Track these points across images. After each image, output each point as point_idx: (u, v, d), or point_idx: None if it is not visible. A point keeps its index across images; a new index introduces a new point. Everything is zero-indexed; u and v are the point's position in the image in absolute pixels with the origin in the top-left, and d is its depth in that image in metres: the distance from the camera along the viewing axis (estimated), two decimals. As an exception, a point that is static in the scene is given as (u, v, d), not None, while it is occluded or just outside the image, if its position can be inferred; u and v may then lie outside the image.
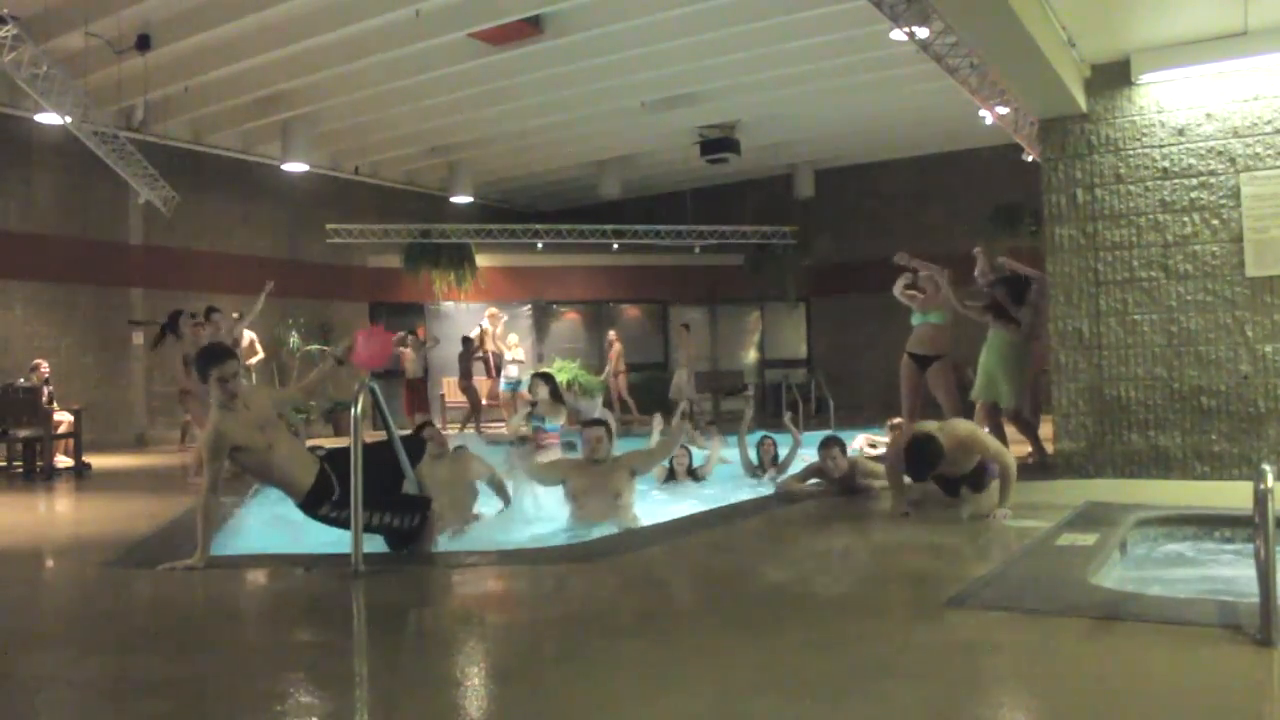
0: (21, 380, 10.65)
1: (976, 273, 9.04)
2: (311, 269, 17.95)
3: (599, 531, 5.91)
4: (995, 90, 9.56)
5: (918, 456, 5.66)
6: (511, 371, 15.08)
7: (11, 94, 12.76)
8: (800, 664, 3.18)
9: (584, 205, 21.16)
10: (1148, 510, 5.57)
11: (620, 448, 6.72)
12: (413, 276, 18.61)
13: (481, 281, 19.11)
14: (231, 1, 11.53)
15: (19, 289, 13.90)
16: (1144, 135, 7.49)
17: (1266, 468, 3.19)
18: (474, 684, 3.22)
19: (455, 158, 18.53)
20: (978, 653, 3.32)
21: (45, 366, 11.04)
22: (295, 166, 15.96)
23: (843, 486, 7.00)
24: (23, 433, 10.07)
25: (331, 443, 10.89)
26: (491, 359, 15.94)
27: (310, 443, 10.28)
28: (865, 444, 9.87)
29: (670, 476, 8.41)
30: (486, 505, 6.68)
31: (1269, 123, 7.10)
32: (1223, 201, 7.21)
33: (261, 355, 13.89)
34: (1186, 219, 7.33)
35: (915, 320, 8.93)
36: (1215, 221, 7.24)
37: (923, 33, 8.07)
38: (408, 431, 6.19)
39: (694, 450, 8.90)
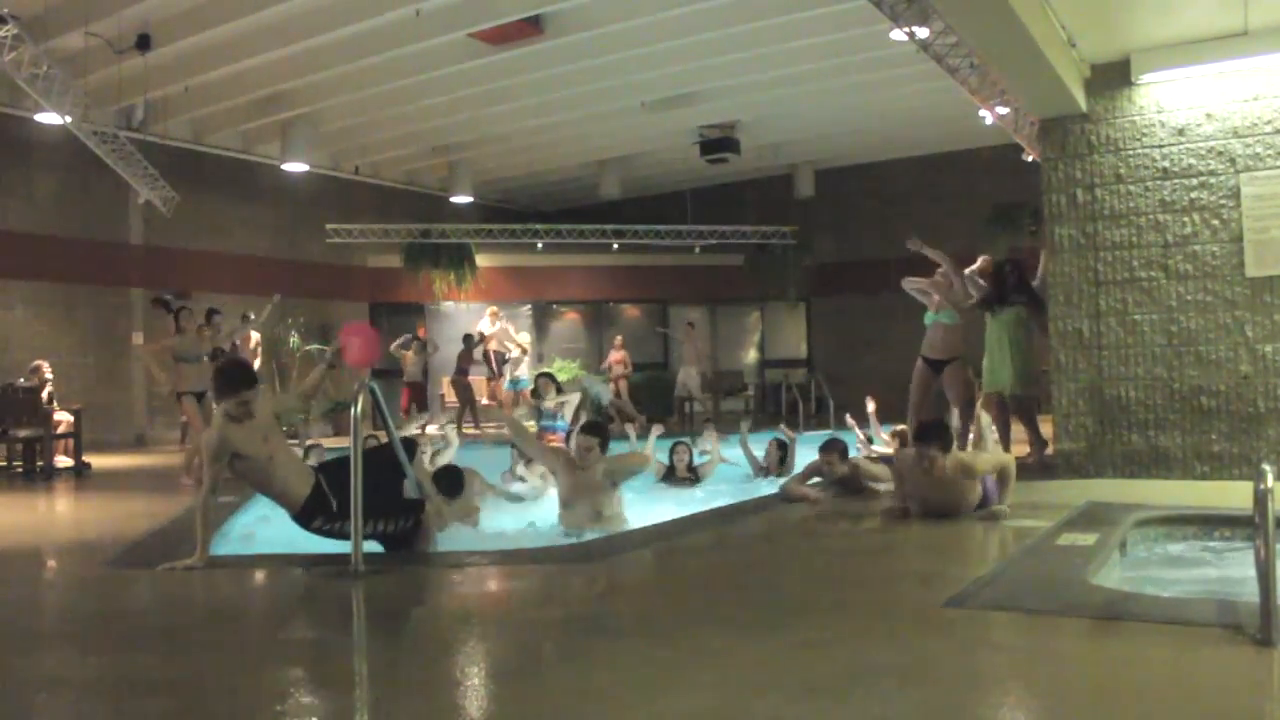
0: (21, 380, 10.64)
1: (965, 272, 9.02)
2: (311, 269, 17.95)
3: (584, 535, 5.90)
4: (995, 90, 9.56)
5: (928, 435, 5.69)
6: (518, 371, 15.11)
7: (11, 94, 12.75)
8: (800, 664, 3.18)
9: (584, 205, 21.16)
10: (1148, 510, 5.57)
11: (617, 448, 6.76)
12: (413, 276, 18.62)
13: (481, 281, 19.11)
14: (231, 1, 11.53)
15: (19, 289, 13.90)
16: (1144, 135, 7.49)
17: (1266, 468, 3.19)
18: (474, 684, 3.22)
19: (455, 158, 18.53)
20: (978, 653, 3.32)
21: (46, 368, 11.03)
22: (295, 166, 15.96)
23: (843, 488, 7.00)
24: (23, 433, 10.08)
25: (331, 443, 10.91)
26: (494, 357, 15.95)
27: (310, 441, 10.31)
28: (863, 440, 9.86)
29: (670, 475, 8.42)
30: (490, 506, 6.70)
31: (1269, 123, 7.10)
32: (1223, 201, 7.21)
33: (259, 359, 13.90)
34: (1186, 219, 7.32)
35: (928, 319, 8.91)
36: (1215, 221, 7.24)
37: (923, 33, 8.08)
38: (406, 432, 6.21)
39: (694, 449, 8.90)
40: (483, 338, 16.02)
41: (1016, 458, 8.50)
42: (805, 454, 8.39)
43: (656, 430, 9.10)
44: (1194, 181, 7.31)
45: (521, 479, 7.86)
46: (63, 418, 10.53)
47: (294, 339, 16.56)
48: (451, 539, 5.70)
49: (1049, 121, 7.88)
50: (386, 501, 4.97)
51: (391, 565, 5.01)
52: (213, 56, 12.76)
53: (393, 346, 15.47)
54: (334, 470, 5.07)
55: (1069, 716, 2.75)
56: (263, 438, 4.93)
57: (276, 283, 17.05)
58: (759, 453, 8.95)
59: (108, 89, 12.64)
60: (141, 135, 14.09)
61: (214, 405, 5.18)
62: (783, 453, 8.63)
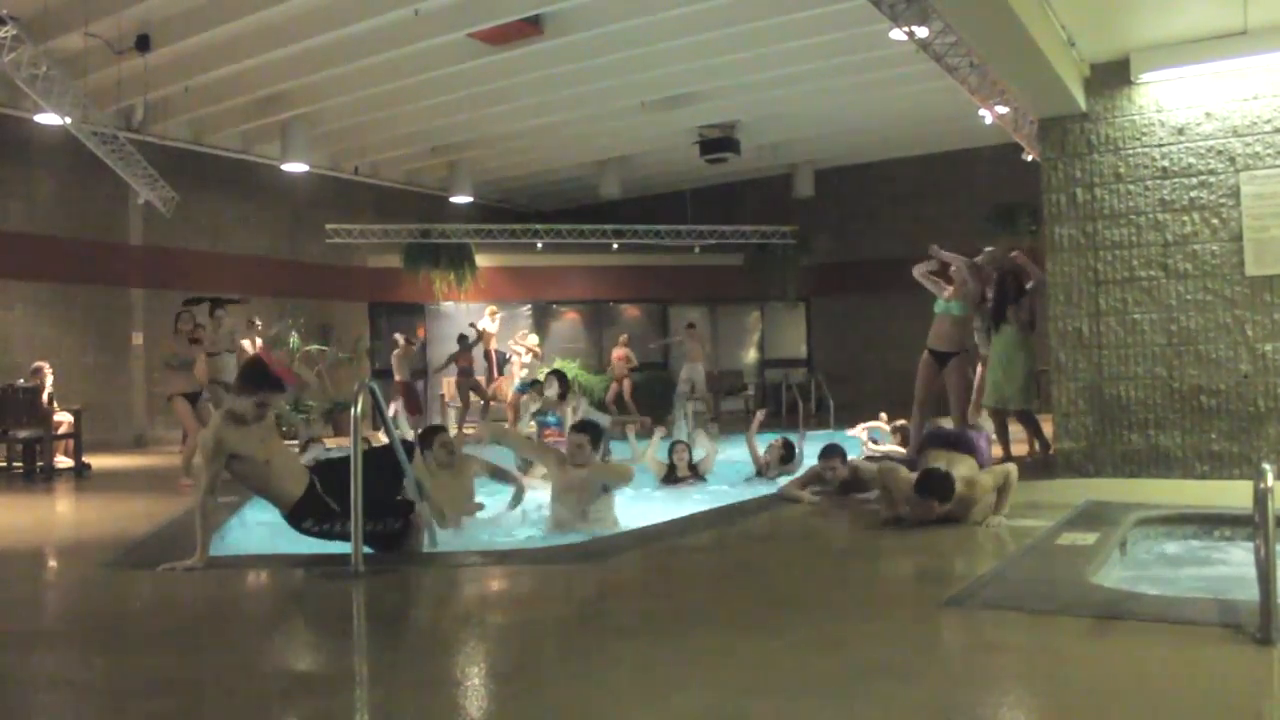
0: (22, 381, 10.64)
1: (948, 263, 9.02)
2: (311, 269, 17.95)
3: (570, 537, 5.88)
4: (995, 90, 9.56)
5: (931, 487, 5.45)
6: (526, 373, 15.10)
7: (11, 94, 12.74)
8: (800, 664, 3.18)
9: (584, 205, 21.16)
10: (1148, 510, 5.57)
11: (618, 449, 6.77)
12: (413, 276, 18.62)
13: (481, 281, 19.11)
14: (231, 1, 11.53)
15: (19, 289, 13.89)
16: (1144, 135, 7.49)
17: (1266, 467, 3.19)
18: (474, 684, 3.22)
19: (455, 158, 18.53)
20: (978, 653, 3.32)
21: (47, 369, 11.02)
22: (295, 166, 15.96)
23: (843, 489, 7.00)
24: (23, 433, 10.08)
25: (331, 443, 10.90)
26: (494, 357, 15.94)
27: (309, 434, 10.31)
28: (864, 434, 9.86)
29: (671, 474, 8.42)
30: (500, 496, 6.67)
31: (1269, 122, 7.10)
32: (1222, 201, 7.21)
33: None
34: (1186, 218, 7.32)
35: (938, 308, 8.89)
36: (1215, 221, 7.24)
37: (922, 32, 8.07)
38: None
39: (693, 448, 8.90)
40: (481, 336, 16.01)
41: (1017, 457, 8.55)
42: (805, 455, 8.40)
43: (659, 432, 9.12)
44: (1194, 181, 7.31)
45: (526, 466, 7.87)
46: (63, 418, 10.53)
47: (294, 339, 16.57)
48: (451, 539, 5.70)
49: (1049, 121, 7.88)
50: (374, 502, 4.97)
51: (391, 565, 5.01)
52: (213, 56, 12.76)
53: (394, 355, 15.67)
54: (330, 473, 5.08)
55: (1069, 716, 2.75)
56: (260, 440, 4.94)
57: (276, 283, 17.14)
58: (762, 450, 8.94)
59: (107, 89, 12.64)
60: (141, 135, 14.10)
61: (210, 407, 5.18)
62: (785, 452, 8.61)
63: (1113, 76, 7.56)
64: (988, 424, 8.71)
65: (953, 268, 8.82)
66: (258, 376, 5.03)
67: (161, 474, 10.24)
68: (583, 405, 10.31)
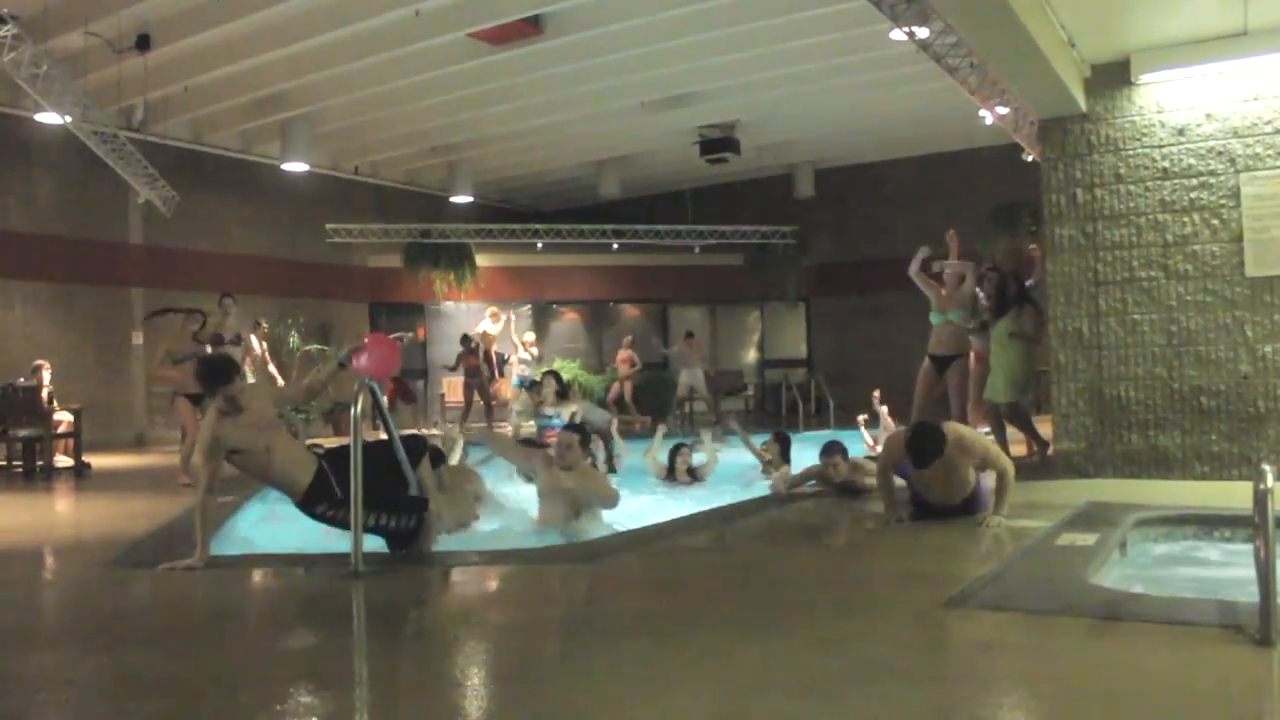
0: (21, 380, 10.64)
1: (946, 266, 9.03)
2: (311, 269, 17.95)
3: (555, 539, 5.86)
4: (995, 90, 9.56)
5: (921, 443, 5.47)
6: (525, 371, 15.08)
7: (11, 94, 12.75)
8: (800, 664, 3.18)
9: (584, 205, 21.16)
10: (1148, 510, 5.57)
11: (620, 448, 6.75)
12: (413, 276, 18.62)
13: (481, 281, 19.12)
14: (231, 1, 11.53)
15: (19, 289, 13.90)
16: (1144, 135, 7.49)
17: (1266, 468, 3.19)
18: (474, 684, 3.22)
19: (455, 158, 18.53)
20: (977, 653, 3.32)
21: (47, 368, 11.03)
22: (295, 166, 15.96)
23: (843, 488, 6.99)
24: (23, 433, 10.07)
25: (330, 442, 10.89)
26: (494, 358, 15.93)
27: (309, 441, 10.30)
28: (864, 427, 9.86)
29: (670, 476, 8.41)
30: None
31: (1269, 123, 7.10)
32: (1223, 201, 7.21)
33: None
34: (1186, 219, 7.32)
35: (935, 319, 8.90)
36: (1215, 221, 7.24)
37: (923, 33, 8.07)
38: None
39: (694, 452, 8.88)
40: (484, 338, 16.00)
41: (1016, 457, 8.55)
42: (804, 455, 8.38)
43: (661, 430, 9.10)
44: (1194, 181, 7.31)
45: (529, 478, 7.86)
46: (63, 418, 10.53)
47: (294, 339, 16.57)
48: (451, 539, 5.70)
49: (1049, 121, 7.88)
50: (391, 496, 4.96)
51: (391, 565, 5.01)
52: (213, 56, 12.76)
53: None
54: (341, 458, 5.02)
55: (1069, 716, 2.75)
56: (257, 430, 4.92)
57: (276, 283, 17.14)
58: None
59: (107, 89, 12.64)
60: (141, 135, 14.10)
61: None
62: (781, 445, 8.58)
63: (1113, 77, 7.56)
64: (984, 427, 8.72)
65: (947, 270, 8.82)
66: (210, 371, 5.05)
67: (161, 474, 10.23)
68: (584, 406, 10.30)
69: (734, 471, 8.93)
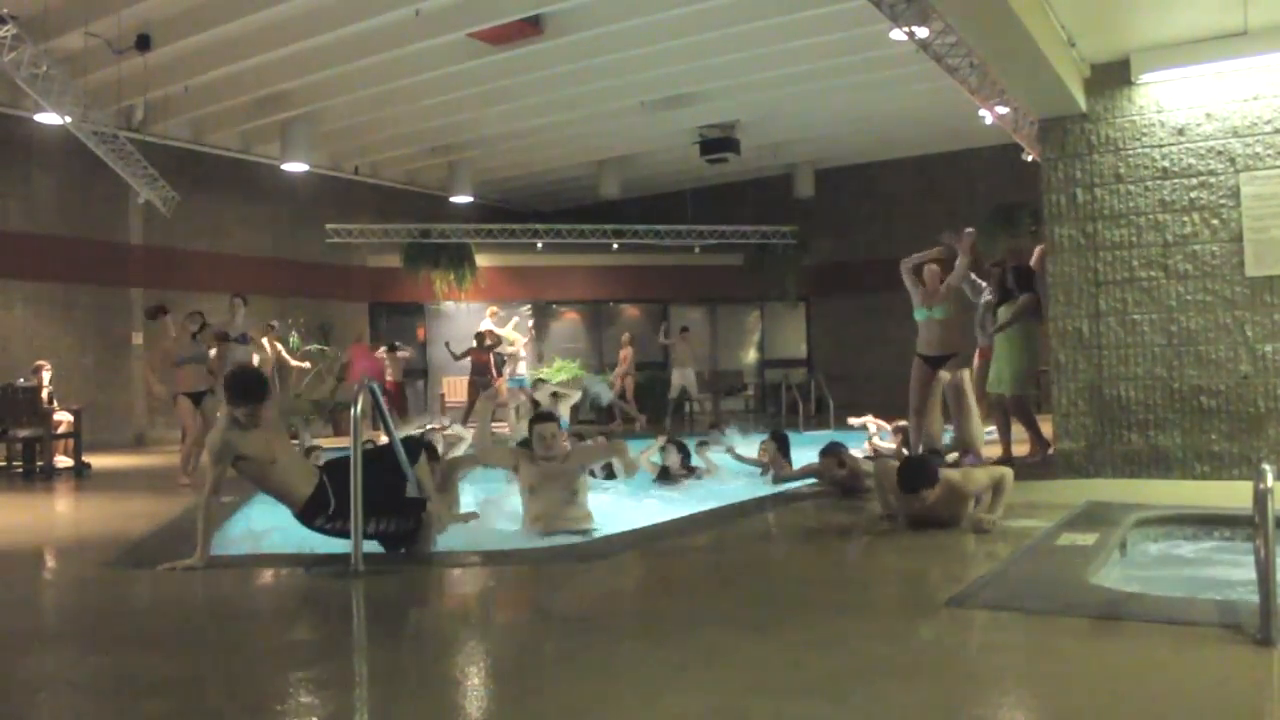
0: (21, 380, 10.64)
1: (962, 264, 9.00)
2: (311, 269, 17.95)
3: (552, 534, 5.83)
4: (995, 90, 9.56)
5: (913, 473, 5.39)
6: (519, 369, 15.11)
7: (11, 94, 12.76)
8: (800, 664, 3.18)
9: (584, 205, 21.17)
10: (1148, 510, 5.57)
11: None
12: (413, 276, 18.63)
13: (481, 281, 19.12)
14: (231, 1, 11.54)
15: (19, 289, 13.91)
16: (1144, 135, 7.49)
17: (1266, 467, 3.19)
18: (474, 684, 3.22)
19: (455, 158, 18.54)
20: (978, 653, 3.32)
21: (47, 368, 11.03)
22: (295, 166, 15.96)
23: (842, 487, 6.99)
24: (23, 433, 10.08)
25: (331, 443, 10.90)
26: (493, 359, 15.92)
27: (310, 442, 10.30)
28: (871, 423, 9.85)
29: (665, 475, 8.40)
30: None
31: (1269, 122, 7.10)
32: (1222, 201, 7.21)
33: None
34: (1186, 219, 7.32)
35: (920, 316, 8.84)
36: (1215, 221, 7.24)
37: (923, 33, 8.07)
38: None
39: (694, 457, 8.85)
40: (489, 336, 16.00)
41: (1018, 457, 8.55)
42: (805, 457, 8.39)
43: (660, 440, 9.07)
44: (1194, 181, 7.31)
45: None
46: (63, 418, 10.53)
47: (294, 339, 16.57)
48: (451, 539, 5.69)
49: (1049, 121, 7.88)
50: (389, 500, 4.98)
51: (391, 565, 5.01)
52: (213, 56, 12.76)
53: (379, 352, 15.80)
54: (340, 470, 5.07)
55: (1069, 716, 2.75)
56: (266, 442, 4.96)
57: (276, 283, 17.15)
58: (752, 451, 8.92)
59: (108, 89, 12.65)
60: (141, 135, 14.10)
61: (219, 408, 5.19)
62: (779, 444, 8.56)
63: (1113, 77, 7.56)
64: (966, 376, 8.66)
65: (927, 270, 8.79)
66: (243, 387, 5.02)
67: (161, 474, 10.24)
68: (587, 379, 10.28)
69: (734, 472, 8.93)
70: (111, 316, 15.06)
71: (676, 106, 15.40)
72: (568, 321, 21.06)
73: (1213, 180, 7.24)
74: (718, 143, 16.75)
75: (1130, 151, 7.53)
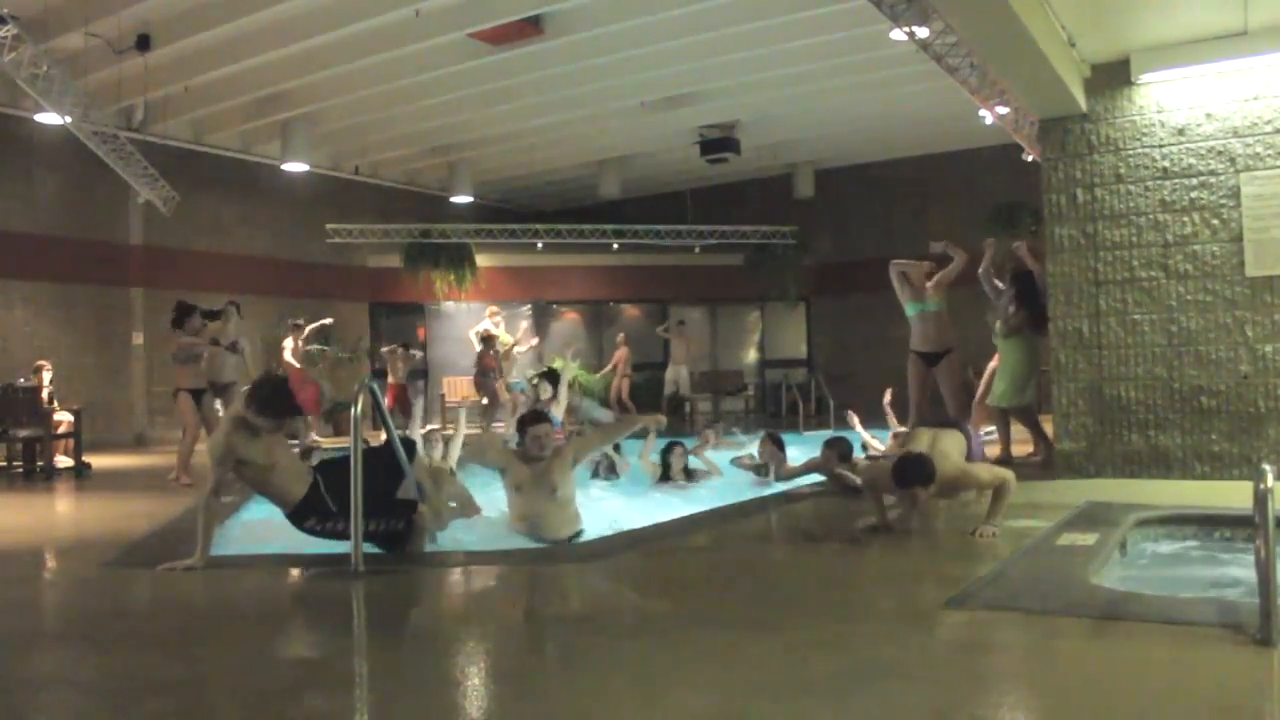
0: (22, 380, 10.64)
1: (980, 270, 9.00)
2: (311, 269, 17.95)
3: (535, 536, 5.81)
4: (995, 90, 9.56)
5: (910, 468, 5.30)
6: (512, 374, 15.08)
7: (11, 94, 12.75)
8: (800, 664, 3.18)
9: (584, 205, 21.16)
10: (1148, 510, 5.57)
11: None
12: (413, 276, 18.62)
13: (481, 281, 19.12)
14: (231, 1, 11.53)
15: (19, 289, 13.90)
16: (1144, 135, 7.49)
17: (1266, 468, 3.19)
18: (474, 684, 3.22)
19: (455, 158, 18.53)
20: (978, 653, 3.32)
21: (48, 368, 11.03)
22: (295, 166, 15.95)
23: (842, 485, 6.99)
24: (23, 433, 10.07)
25: (330, 443, 10.90)
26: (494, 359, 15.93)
27: (310, 441, 10.30)
28: (860, 428, 9.84)
29: (666, 477, 8.39)
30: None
31: (1269, 122, 7.10)
32: (1223, 201, 7.21)
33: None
34: (1186, 219, 7.33)
35: (911, 310, 8.85)
36: (1215, 221, 7.24)
37: (923, 33, 8.07)
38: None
39: (692, 458, 8.83)
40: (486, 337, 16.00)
41: (1017, 456, 8.56)
42: (805, 456, 8.39)
43: (653, 429, 9.04)
44: (1194, 181, 7.31)
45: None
46: (63, 418, 10.52)
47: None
48: (451, 539, 5.70)
49: (1049, 121, 7.88)
50: (377, 502, 4.97)
51: (391, 565, 5.01)
52: (213, 56, 12.75)
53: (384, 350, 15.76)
54: (329, 471, 5.09)
55: (1069, 716, 2.75)
56: (267, 447, 4.98)
57: (276, 283, 17.14)
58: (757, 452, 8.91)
59: (108, 89, 12.64)
60: (141, 135, 14.10)
61: (219, 407, 5.19)
62: (775, 445, 8.54)
63: (1113, 77, 7.56)
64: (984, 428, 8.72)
65: (912, 271, 8.79)
66: (280, 404, 5.03)
67: (161, 474, 10.22)
68: (587, 405, 10.28)
69: (734, 472, 8.92)
70: (111, 316, 15.05)
71: (676, 106, 15.40)
72: (568, 321, 21.06)
73: (1213, 180, 7.24)
74: (718, 143, 16.74)
75: (1130, 151, 7.53)
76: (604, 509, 6.89)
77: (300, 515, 5.06)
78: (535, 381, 9.73)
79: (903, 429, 9.05)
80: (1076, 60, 7.47)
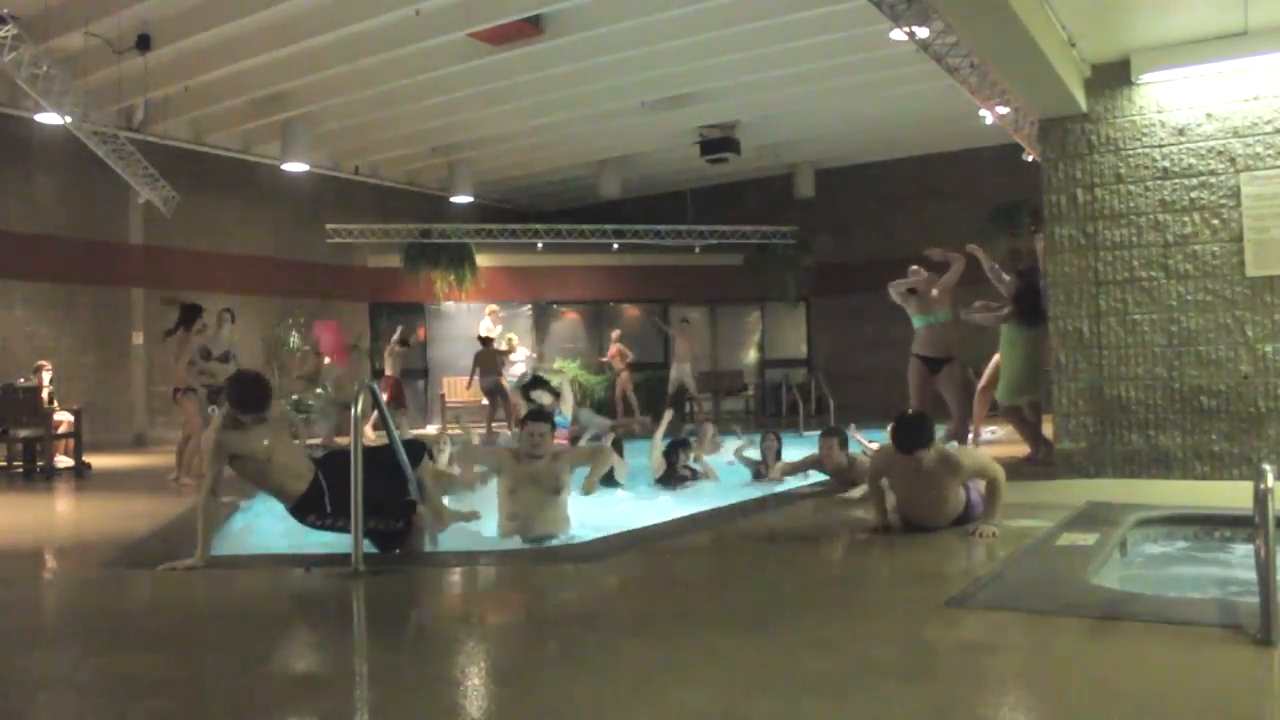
0: (22, 380, 10.64)
1: (987, 270, 9.00)
2: (311, 269, 17.95)
3: (528, 537, 5.82)
4: (995, 90, 9.56)
5: (910, 429, 5.19)
6: (518, 370, 15.09)
7: (11, 94, 12.76)
8: (800, 664, 3.18)
9: (584, 205, 21.17)
10: (1148, 510, 5.57)
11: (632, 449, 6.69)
12: (413, 276, 18.63)
13: (481, 281, 19.12)
14: (231, 1, 11.54)
15: (19, 289, 13.91)
16: (1144, 135, 7.49)
17: (1266, 468, 3.18)
18: (474, 684, 3.22)
19: (455, 158, 18.54)
20: (978, 653, 3.32)
21: (48, 368, 11.03)
22: (295, 166, 15.96)
23: (842, 482, 6.98)
24: (23, 433, 10.07)
25: (316, 442, 10.89)
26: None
27: (310, 440, 10.31)
28: (859, 435, 9.84)
29: (669, 475, 8.39)
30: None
31: (1269, 122, 7.09)
32: (1223, 201, 7.21)
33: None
34: (1186, 219, 7.32)
35: (920, 323, 8.87)
36: (1215, 221, 7.23)
37: (923, 33, 8.07)
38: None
39: (691, 454, 8.85)
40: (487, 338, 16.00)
41: (1021, 458, 8.55)
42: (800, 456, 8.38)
43: (667, 416, 9.03)
44: (1194, 181, 7.31)
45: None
46: (63, 418, 10.53)
47: (294, 339, 16.57)
48: (451, 539, 5.69)
49: (1049, 121, 7.88)
50: (378, 501, 4.97)
51: (391, 565, 5.01)
52: (213, 56, 12.76)
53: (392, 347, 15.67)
54: (331, 466, 5.08)
55: (1069, 716, 2.75)
56: (264, 441, 4.96)
57: (276, 283, 17.15)
58: (754, 453, 8.90)
59: (108, 89, 12.65)
60: (141, 135, 14.11)
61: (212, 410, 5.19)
62: (779, 447, 8.55)
63: (1113, 77, 7.56)
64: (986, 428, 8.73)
65: (921, 278, 8.79)
66: (248, 396, 5.02)
67: (161, 474, 10.22)
68: (585, 415, 10.30)
69: (734, 472, 8.92)
70: (111, 316, 15.05)
71: (676, 106, 15.40)
72: (568, 321, 21.06)
73: (1213, 180, 7.24)
74: (718, 143, 16.75)
75: (1130, 151, 7.53)
76: (604, 510, 6.89)
77: (301, 510, 5.07)
78: (533, 394, 9.74)
79: None
80: (1076, 60, 7.47)
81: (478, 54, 12.81)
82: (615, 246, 18.99)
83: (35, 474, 9.96)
